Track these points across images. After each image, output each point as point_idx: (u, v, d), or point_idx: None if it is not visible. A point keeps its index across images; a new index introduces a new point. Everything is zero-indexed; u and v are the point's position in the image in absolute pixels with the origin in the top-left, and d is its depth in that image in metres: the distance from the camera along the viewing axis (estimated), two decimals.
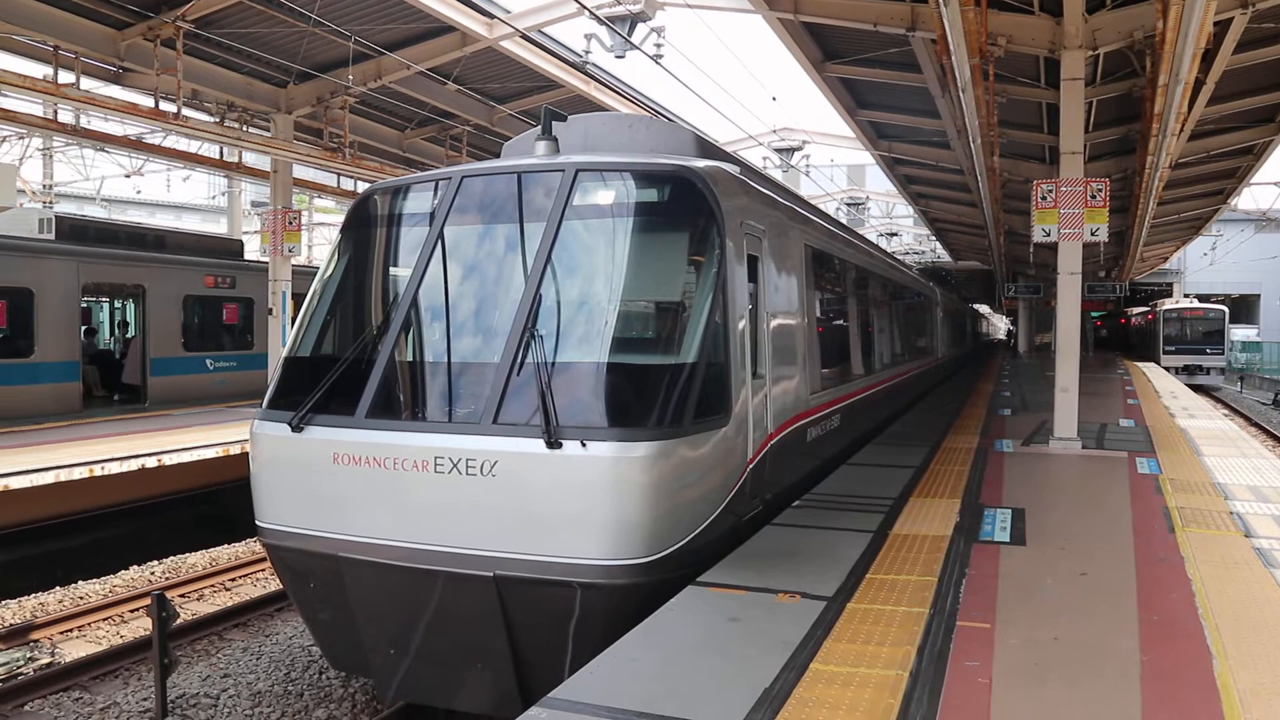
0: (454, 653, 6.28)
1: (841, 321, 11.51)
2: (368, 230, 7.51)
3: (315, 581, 6.64)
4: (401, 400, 6.59)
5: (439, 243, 6.86)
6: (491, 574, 5.85)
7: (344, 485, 6.27)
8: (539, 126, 7.62)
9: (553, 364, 6.07)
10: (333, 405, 6.48)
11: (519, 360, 6.10)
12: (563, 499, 5.74)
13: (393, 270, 7.29)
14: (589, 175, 6.75)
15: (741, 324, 6.86)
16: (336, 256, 7.52)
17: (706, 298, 6.48)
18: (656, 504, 5.79)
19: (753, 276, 7.35)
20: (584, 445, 5.69)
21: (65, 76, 14.37)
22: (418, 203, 7.27)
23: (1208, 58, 11.84)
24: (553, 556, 5.74)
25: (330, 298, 7.39)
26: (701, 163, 7.11)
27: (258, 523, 6.81)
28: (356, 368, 6.60)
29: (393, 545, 6.13)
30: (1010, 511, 8.13)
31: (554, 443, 5.72)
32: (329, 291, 7.40)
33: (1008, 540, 7.19)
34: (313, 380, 6.62)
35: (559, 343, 6.18)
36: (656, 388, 6.07)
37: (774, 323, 7.84)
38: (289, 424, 6.48)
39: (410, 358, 6.72)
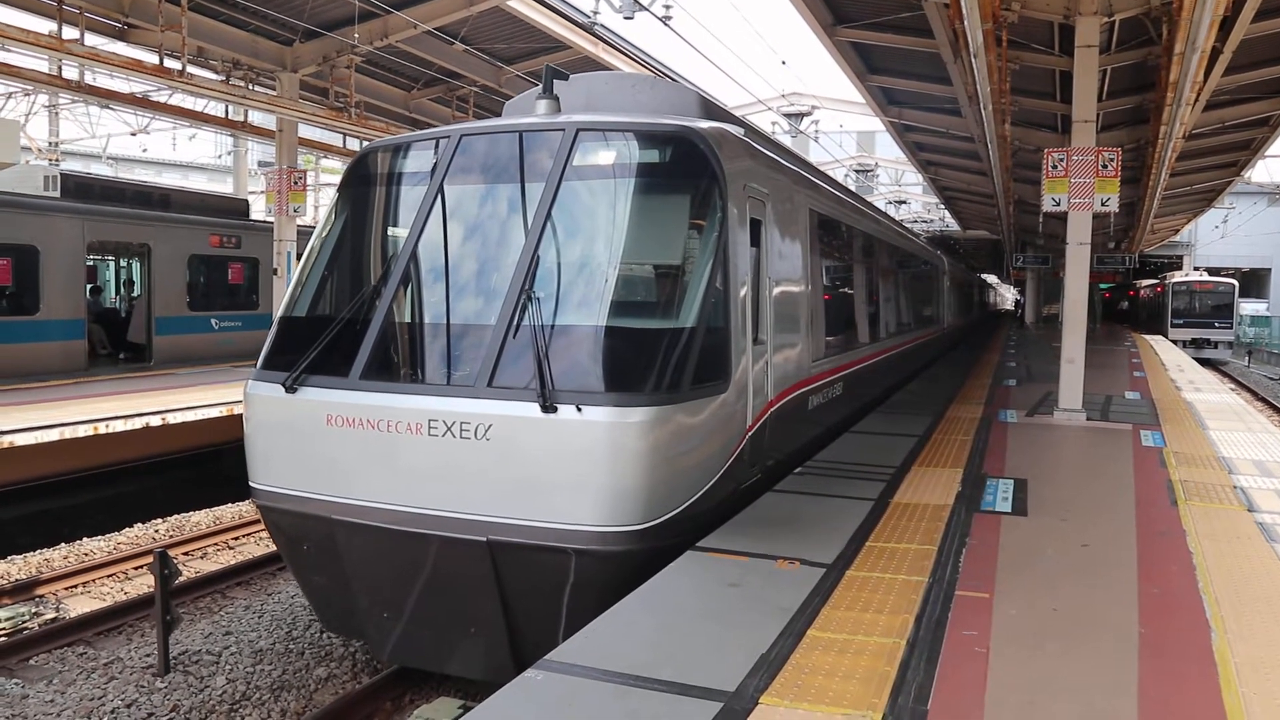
0: (447, 618, 6.25)
1: (845, 289, 11.41)
2: (365, 189, 7.41)
3: (309, 544, 6.61)
4: (396, 362, 6.52)
5: (436, 202, 6.77)
6: (485, 539, 5.81)
7: (337, 447, 6.23)
8: (540, 86, 7.51)
9: (549, 327, 5.97)
10: (327, 366, 6.42)
11: (515, 322, 6.02)
12: (557, 464, 5.67)
13: (389, 230, 7.21)
14: (590, 135, 6.64)
15: (743, 289, 6.77)
16: (334, 215, 7.43)
17: (707, 262, 6.38)
18: (653, 470, 5.73)
19: (755, 241, 7.24)
20: (579, 410, 5.63)
21: (70, 32, 14.25)
22: (416, 161, 7.17)
23: (1225, 26, 11.65)
24: (547, 522, 5.69)
25: (327, 257, 7.31)
26: (704, 124, 6.99)
27: (251, 484, 6.77)
28: (351, 328, 6.54)
29: (386, 509, 6.09)
30: (1012, 482, 8.11)
31: (549, 407, 5.65)
32: (325, 251, 7.32)
33: (1009, 510, 7.18)
34: (308, 340, 6.55)
35: (556, 305, 6.09)
36: (654, 352, 5.98)
37: (776, 288, 7.73)
38: (282, 384, 6.44)
39: (406, 319, 6.65)
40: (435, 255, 6.70)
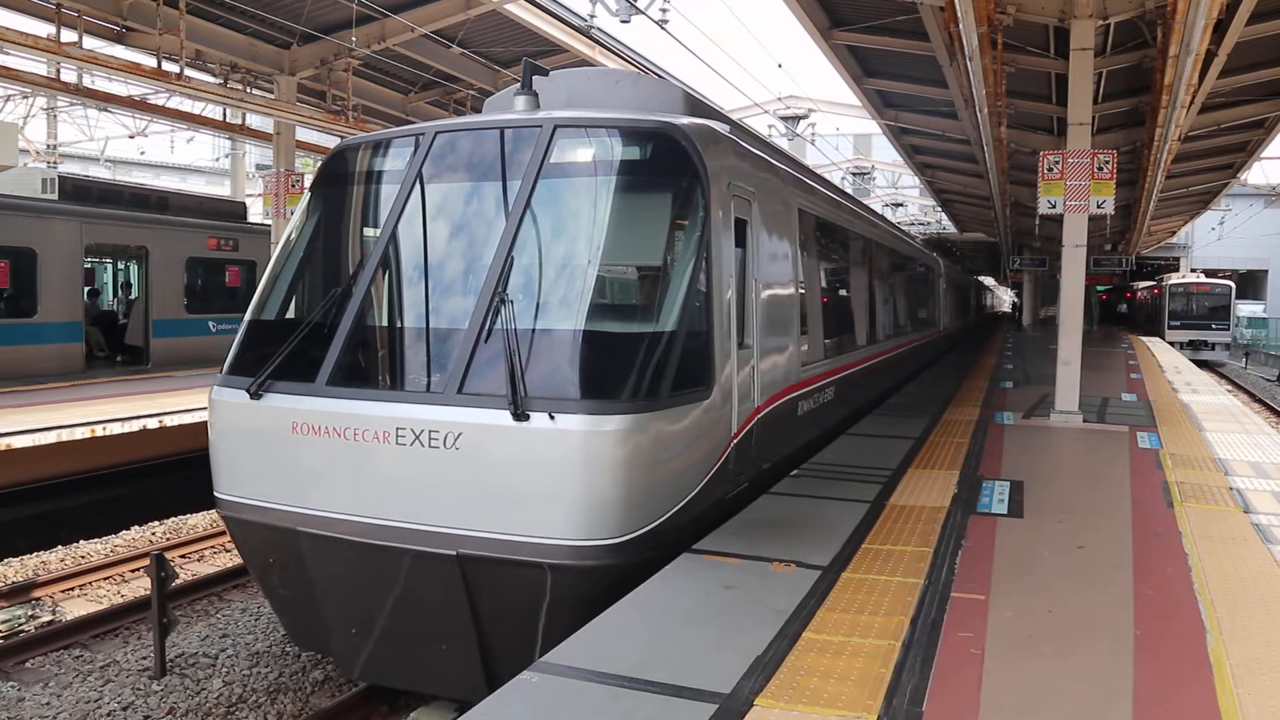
0: (417, 634, 6.05)
1: (837, 291, 11.25)
2: (337, 188, 7.18)
3: (274, 556, 6.40)
4: (364, 367, 6.29)
5: (409, 202, 6.56)
6: (454, 553, 5.60)
7: (303, 456, 6.02)
8: (520, 82, 7.34)
9: (522, 331, 5.74)
10: (293, 372, 6.20)
11: (487, 326, 5.80)
12: (529, 475, 5.46)
13: (360, 230, 7.02)
14: (567, 131, 6.41)
15: (727, 291, 6.56)
16: (305, 216, 7.20)
17: (688, 263, 6.17)
18: (630, 481, 5.51)
19: (740, 241, 7.02)
20: (552, 418, 5.41)
21: (68, 35, 14.25)
22: (388, 160, 6.96)
23: (1220, 28, 11.68)
24: (519, 535, 5.48)
25: (296, 259, 7.08)
26: (686, 120, 6.78)
27: (215, 494, 6.56)
28: (319, 332, 6.32)
29: (352, 520, 5.87)
30: (1009, 484, 8.13)
31: (520, 414, 5.43)
32: (296, 252, 7.09)
33: (1005, 513, 7.19)
34: (275, 344, 6.34)
35: (529, 309, 5.87)
36: (632, 358, 5.74)
37: (763, 291, 7.52)
38: (247, 390, 6.23)
39: (374, 323, 6.44)
40: (406, 256, 6.50)
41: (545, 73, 7.71)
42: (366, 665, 6.33)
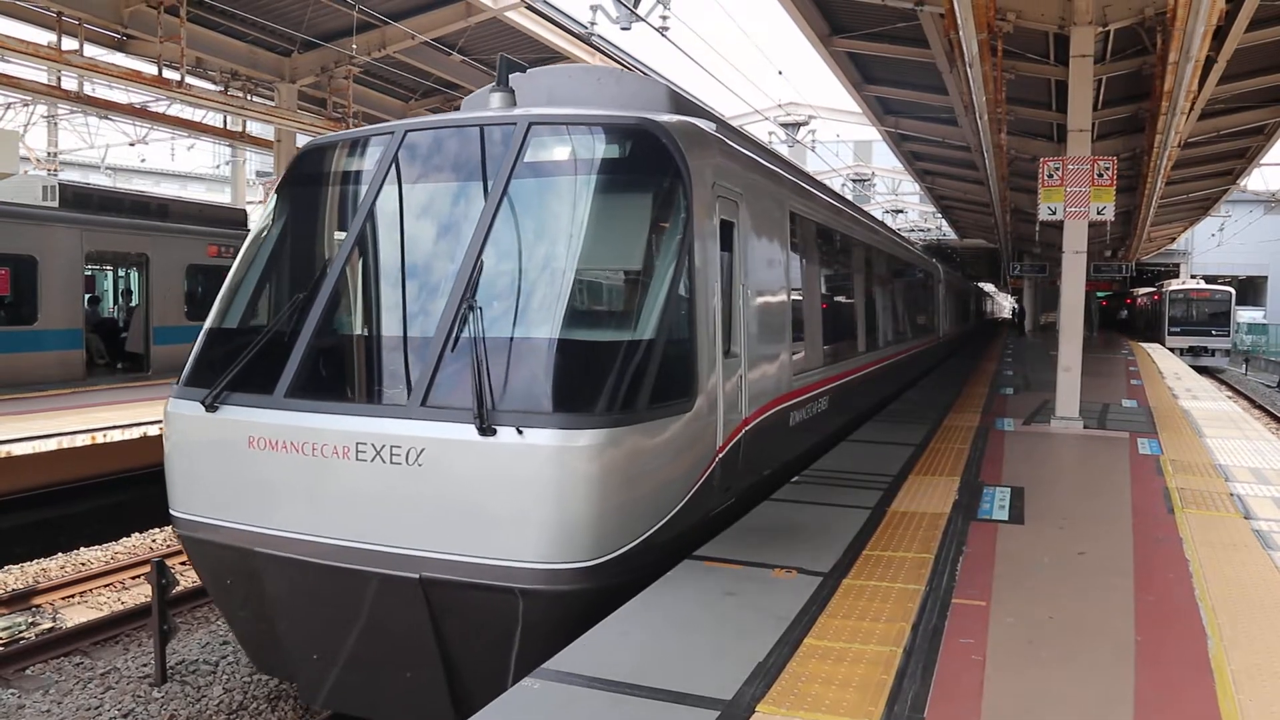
0: (381, 660, 5.75)
1: (831, 297, 10.92)
2: (302, 189, 6.87)
3: (232, 578, 6.10)
4: (324, 378, 5.93)
5: (375, 204, 6.24)
6: (417, 576, 5.29)
7: (260, 472, 5.71)
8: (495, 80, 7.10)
9: (491, 340, 5.42)
10: (251, 383, 5.88)
11: (453, 335, 5.47)
12: (497, 493, 5.14)
13: (325, 233, 6.72)
14: (542, 129, 6.09)
15: (711, 297, 6.25)
16: (270, 219, 6.86)
17: (669, 267, 5.83)
18: (604, 499, 5.19)
19: (726, 245, 6.71)
20: (520, 432, 5.10)
21: (69, 43, 14.30)
22: (357, 160, 6.64)
23: (1219, 35, 11.71)
24: (486, 558, 5.16)
25: (259, 264, 6.77)
26: (667, 117, 6.45)
27: (170, 511, 6.30)
28: (279, 341, 6.00)
29: (311, 541, 5.56)
30: (1009, 490, 8.12)
31: (486, 429, 5.12)
32: (259, 257, 6.79)
33: (1006, 519, 7.18)
34: (234, 354, 6.05)
35: (499, 316, 5.56)
36: (607, 368, 5.41)
37: (752, 297, 7.20)
38: (202, 402, 5.93)
39: (336, 331, 6.14)
40: (371, 261, 6.22)
41: (523, 69, 7.47)
42: (330, 693, 6.00)
